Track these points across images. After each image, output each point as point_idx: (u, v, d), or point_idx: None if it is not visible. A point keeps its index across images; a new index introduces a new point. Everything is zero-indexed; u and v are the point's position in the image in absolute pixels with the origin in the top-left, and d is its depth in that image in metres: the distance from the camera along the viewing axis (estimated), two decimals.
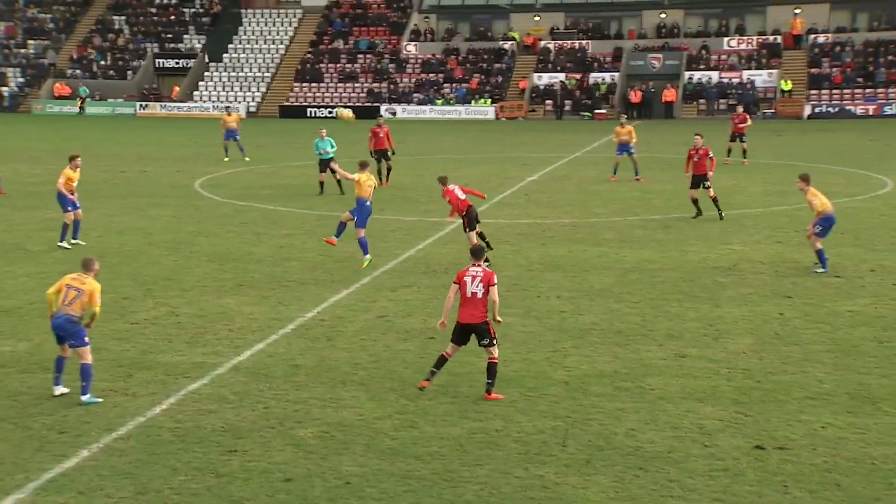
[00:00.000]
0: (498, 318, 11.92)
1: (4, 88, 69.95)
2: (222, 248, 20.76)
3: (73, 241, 20.83)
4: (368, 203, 18.85)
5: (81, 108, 66.96)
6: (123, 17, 74.78)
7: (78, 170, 21.16)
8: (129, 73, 70.49)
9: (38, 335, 14.03)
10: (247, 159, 37.13)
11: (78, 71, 70.59)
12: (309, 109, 65.82)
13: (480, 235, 19.34)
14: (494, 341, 11.74)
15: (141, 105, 67.72)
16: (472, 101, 65.00)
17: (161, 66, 71.02)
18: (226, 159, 37.30)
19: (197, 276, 18.11)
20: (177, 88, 69.23)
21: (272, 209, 26.12)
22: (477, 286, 11.65)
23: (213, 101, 67.86)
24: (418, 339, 14.10)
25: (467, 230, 19.06)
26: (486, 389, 11.69)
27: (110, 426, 10.74)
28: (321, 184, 28.90)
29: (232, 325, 14.80)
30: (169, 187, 30.29)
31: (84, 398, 11.43)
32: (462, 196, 19.05)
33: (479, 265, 11.88)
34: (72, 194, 20.78)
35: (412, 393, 11.86)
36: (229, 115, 38.17)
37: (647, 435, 10.56)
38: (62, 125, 57.11)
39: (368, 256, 18.62)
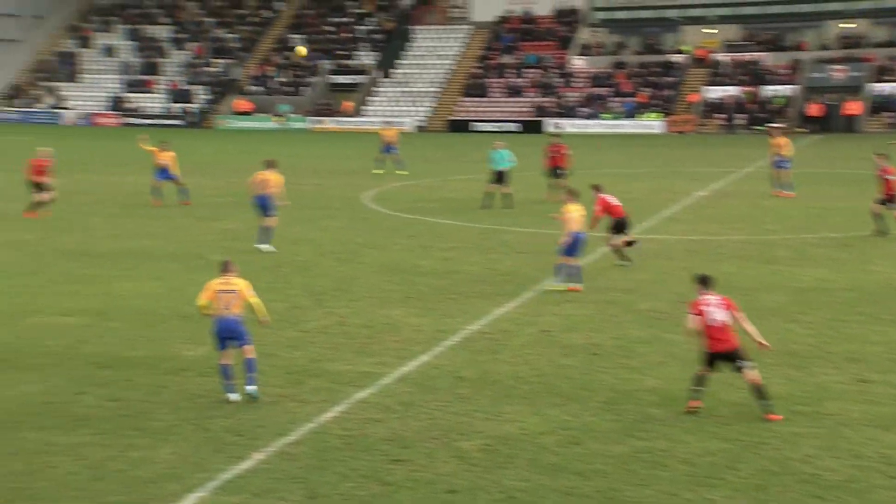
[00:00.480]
0: (762, 341, 11.59)
1: (193, 105, 73.84)
2: (390, 259, 21.15)
3: (264, 247, 21.83)
4: (578, 234, 17.71)
5: (282, 123, 68.79)
6: (301, 36, 77.65)
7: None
8: (305, 89, 73.12)
9: None
10: (399, 172, 37.78)
11: (258, 87, 73.75)
12: (473, 123, 66.48)
13: (626, 244, 19.81)
14: (751, 363, 11.41)
15: (314, 120, 70.09)
16: (639, 116, 64.06)
17: (334, 82, 73.38)
18: (378, 171, 38.23)
19: (365, 286, 18.51)
20: (348, 104, 71.31)
21: (438, 222, 26.44)
22: (722, 314, 11.37)
23: (383, 116, 69.61)
24: (582, 354, 13.93)
25: (613, 236, 19.64)
26: (764, 410, 11.24)
27: (282, 431, 11.09)
28: (489, 195, 29.00)
29: (398, 335, 15.03)
30: (339, 199, 31.16)
31: (251, 388, 11.93)
32: (616, 203, 19.57)
33: (711, 293, 11.57)
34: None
35: (575, 408, 11.73)
36: (388, 129, 39.72)
37: (825, 462, 10.07)
38: (241, 139, 59.64)
39: (560, 285, 17.70)
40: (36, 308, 16.72)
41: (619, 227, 19.69)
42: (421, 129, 68.24)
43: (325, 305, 17.03)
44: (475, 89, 69.67)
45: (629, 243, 19.88)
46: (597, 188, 19.70)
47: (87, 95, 76.86)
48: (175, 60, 78.42)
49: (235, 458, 10.34)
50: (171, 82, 76.09)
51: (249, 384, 11.99)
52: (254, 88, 73.87)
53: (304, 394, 12.37)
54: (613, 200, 19.57)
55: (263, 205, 22.25)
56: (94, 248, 22.42)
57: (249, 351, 12.02)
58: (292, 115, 70.65)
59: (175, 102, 74.42)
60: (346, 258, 21.37)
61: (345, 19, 78.66)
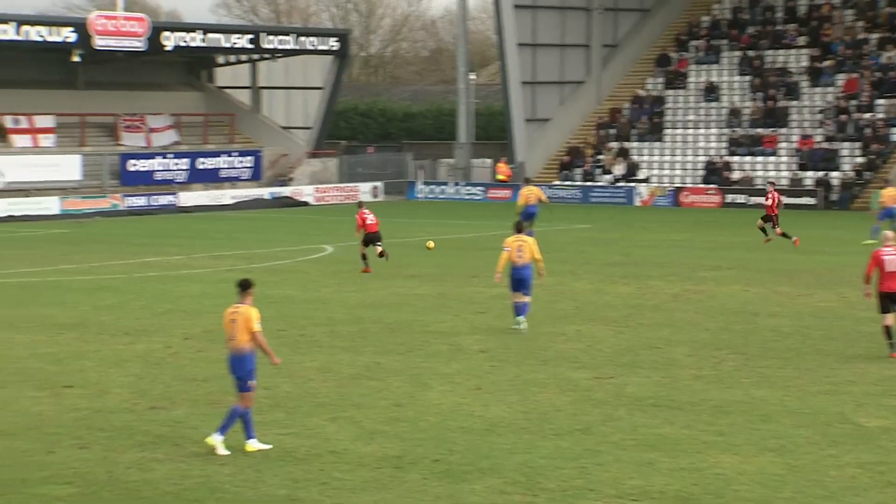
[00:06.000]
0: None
1: (833, 174, 73.87)
2: None
3: None
4: None
5: None
6: None
7: None
8: None
9: None
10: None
11: None
12: None
13: None
14: None
15: None
16: None
17: None
18: (866, 242, 42.38)
19: None
20: None
21: None
22: None
23: None
24: None
25: None
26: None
27: None
28: None
29: None
30: None
31: None
32: None
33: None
34: None
35: None
36: (890, 189, 45.19)
37: None
38: None
39: None
40: (589, 484, 17.62)
41: None
42: None
43: None
44: None
45: None
46: None
47: (671, 161, 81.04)
48: (812, 104, 79.76)
49: None
50: (803, 138, 77.42)
51: None
52: None
53: None
54: None
55: None
56: (676, 396, 23.31)
57: None
58: None
59: (806, 170, 75.42)
60: None
61: None
